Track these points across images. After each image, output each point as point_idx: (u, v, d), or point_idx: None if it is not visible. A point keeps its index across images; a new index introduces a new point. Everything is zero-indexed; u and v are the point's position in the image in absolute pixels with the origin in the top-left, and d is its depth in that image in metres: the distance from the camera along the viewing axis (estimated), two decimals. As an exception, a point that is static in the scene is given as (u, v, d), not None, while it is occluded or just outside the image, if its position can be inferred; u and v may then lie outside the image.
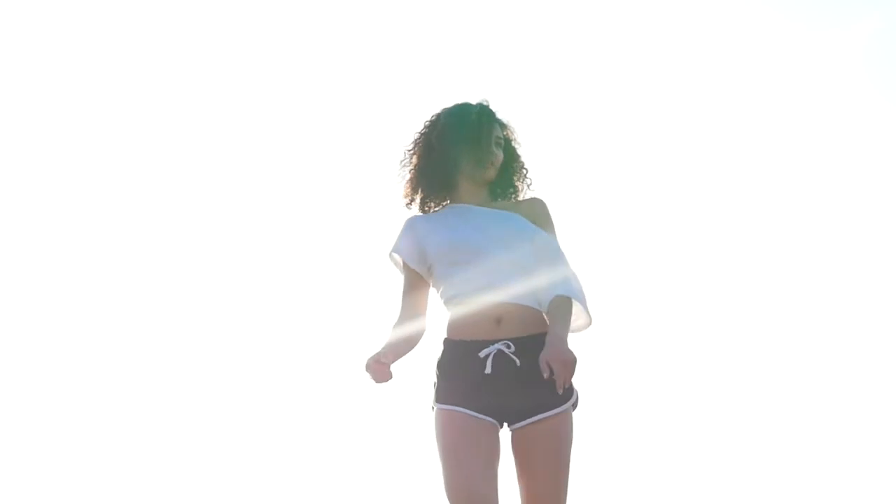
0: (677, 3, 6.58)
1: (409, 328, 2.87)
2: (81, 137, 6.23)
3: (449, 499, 2.64)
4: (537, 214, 2.93)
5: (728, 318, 6.45)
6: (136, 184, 6.25)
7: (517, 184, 3.03)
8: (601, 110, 6.42)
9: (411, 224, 2.97)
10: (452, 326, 2.85)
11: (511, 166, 3.01)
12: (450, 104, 3.00)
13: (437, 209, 3.00)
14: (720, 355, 6.35)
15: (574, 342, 2.76)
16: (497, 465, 2.72)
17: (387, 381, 2.73)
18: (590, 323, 2.89)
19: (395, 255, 2.96)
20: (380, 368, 2.71)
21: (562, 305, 2.80)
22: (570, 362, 2.64)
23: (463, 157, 2.91)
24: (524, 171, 3.04)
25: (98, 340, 6.11)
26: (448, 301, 2.88)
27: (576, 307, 2.82)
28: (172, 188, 6.24)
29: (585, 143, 6.34)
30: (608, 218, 6.29)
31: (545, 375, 2.63)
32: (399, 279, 2.98)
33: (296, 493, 5.50)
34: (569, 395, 2.77)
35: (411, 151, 2.99)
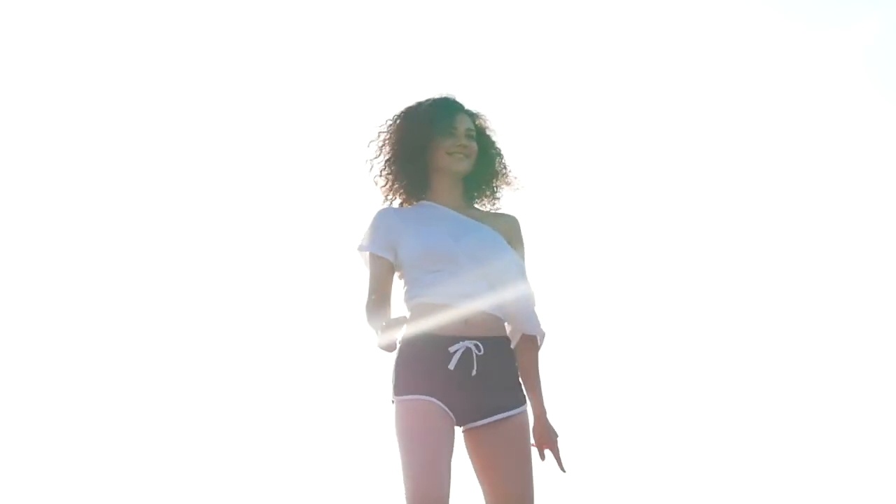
0: (677, 3, 6.58)
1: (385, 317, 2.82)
2: (81, 137, 6.24)
3: (409, 489, 2.62)
4: (511, 232, 2.92)
5: (727, 318, 6.45)
6: (135, 184, 6.25)
7: (497, 171, 2.96)
8: (600, 110, 6.42)
9: (382, 219, 2.89)
10: (417, 322, 2.80)
11: (488, 155, 2.94)
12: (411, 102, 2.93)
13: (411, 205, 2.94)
14: (719, 355, 6.35)
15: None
16: (452, 454, 2.72)
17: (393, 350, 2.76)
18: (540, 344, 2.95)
19: (365, 252, 2.88)
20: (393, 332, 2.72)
21: (534, 360, 2.90)
22: (557, 441, 2.86)
23: (431, 151, 2.85)
24: (502, 160, 2.97)
25: (97, 340, 6.11)
26: (412, 299, 2.84)
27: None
28: (171, 188, 6.25)
29: (585, 143, 6.34)
30: (608, 218, 6.29)
31: (542, 458, 2.84)
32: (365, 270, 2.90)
33: (294, 493, 5.50)
34: (524, 398, 2.84)
35: (378, 157, 2.91)
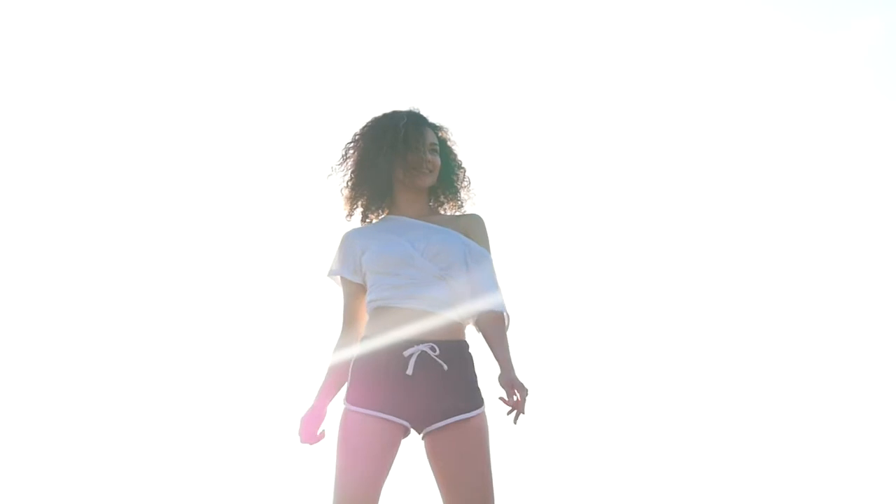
0: (678, 4, 6.58)
1: (350, 350, 2.90)
2: (81, 137, 6.24)
3: (336, 499, 2.70)
4: (472, 230, 2.94)
5: (729, 318, 6.45)
6: (134, 184, 6.25)
7: (457, 185, 3.02)
8: (601, 111, 6.42)
9: (347, 240, 2.98)
10: (374, 327, 2.87)
11: (450, 167, 3.00)
12: (379, 113, 2.99)
13: (375, 221, 3.00)
14: (720, 356, 6.35)
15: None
16: (389, 471, 2.76)
17: (317, 442, 2.86)
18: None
19: (335, 275, 3.00)
20: (310, 430, 2.85)
21: (498, 328, 2.86)
22: (526, 393, 2.74)
23: (396, 165, 2.91)
24: (463, 172, 3.03)
25: (95, 340, 6.11)
26: (371, 303, 2.90)
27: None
28: (169, 189, 6.25)
29: (588, 143, 6.34)
30: (610, 219, 6.29)
31: (510, 399, 2.70)
32: (339, 291, 3.01)
33: (291, 493, 5.50)
34: (481, 401, 2.82)
35: (343, 165, 2.98)
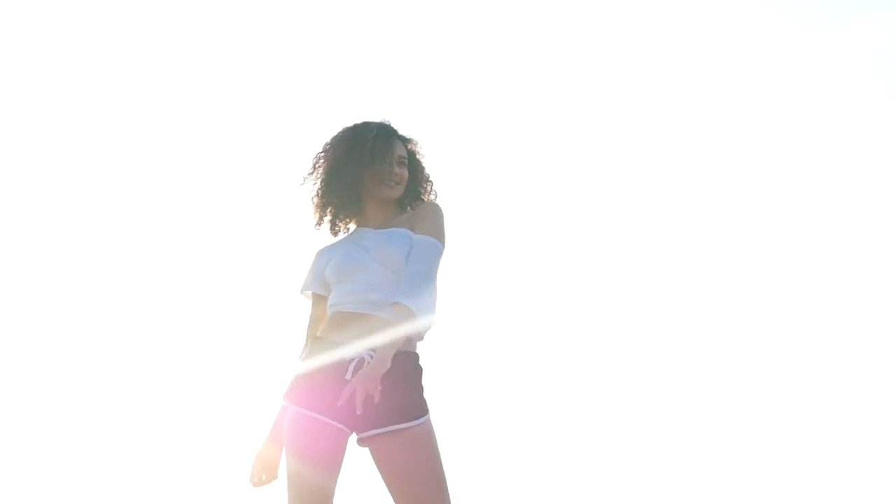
0: (680, 4, 6.57)
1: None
2: (81, 137, 6.25)
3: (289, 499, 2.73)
4: (418, 221, 2.92)
5: (731, 318, 6.45)
6: (134, 184, 6.26)
7: (423, 198, 3.05)
8: (604, 112, 6.42)
9: (317, 256, 3.04)
10: (326, 331, 2.90)
11: (417, 180, 3.04)
12: (350, 123, 3.02)
13: (345, 230, 3.04)
14: (721, 356, 6.34)
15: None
16: (338, 473, 2.76)
17: (267, 484, 2.92)
18: (425, 330, 2.84)
19: (307, 292, 3.04)
20: (261, 474, 2.91)
21: (399, 317, 2.75)
22: (371, 392, 2.65)
23: (363, 177, 2.94)
24: (429, 185, 3.06)
25: (94, 340, 6.12)
26: (330, 308, 2.93)
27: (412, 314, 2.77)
28: (168, 189, 6.26)
29: (588, 143, 6.34)
30: (609, 219, 6.29)
31: (344, 395, 2.67)
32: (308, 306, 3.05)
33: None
34: (423, 412, 2.79)
35: (313, 174, 3.01)
